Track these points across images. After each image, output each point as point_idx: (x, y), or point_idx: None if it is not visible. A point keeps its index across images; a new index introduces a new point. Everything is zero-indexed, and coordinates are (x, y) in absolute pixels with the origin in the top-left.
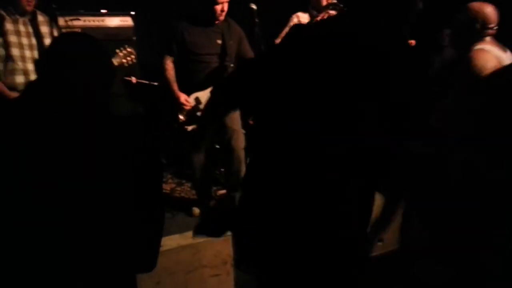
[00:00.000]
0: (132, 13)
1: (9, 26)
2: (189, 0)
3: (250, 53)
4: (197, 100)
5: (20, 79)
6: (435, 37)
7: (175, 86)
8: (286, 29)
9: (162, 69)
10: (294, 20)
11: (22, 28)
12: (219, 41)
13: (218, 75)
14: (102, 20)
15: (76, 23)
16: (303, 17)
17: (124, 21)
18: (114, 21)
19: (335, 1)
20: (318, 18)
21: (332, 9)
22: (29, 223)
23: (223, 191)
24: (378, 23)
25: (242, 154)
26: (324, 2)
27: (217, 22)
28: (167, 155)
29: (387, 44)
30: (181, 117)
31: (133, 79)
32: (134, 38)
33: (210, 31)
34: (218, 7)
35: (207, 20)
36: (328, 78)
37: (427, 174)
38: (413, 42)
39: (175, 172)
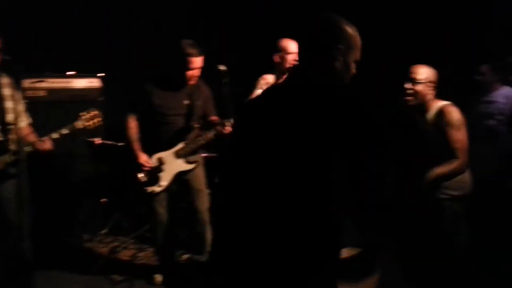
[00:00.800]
0: (100, 74)
1: None
2: (158, 63)
3: (212, 112)
4: (160, 160)
5: None
6: None
7: (136, 146)
8: (258, 93)
9: (126, 128)
10: (261, 82)
11: None
12: (186, 102)
13: (184, 135)
14: (69, 82)
15: (41, 85)
16: (270, 78)
17: (91, 82)
18: (81, 83)
19: (297, 63)
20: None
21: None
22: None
23: (188, 255)
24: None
25: (206, 215)
26: (287, 65)
27: (187, 84)
28: (128, 219)
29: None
30: (140, 176)
31: (96, 140)
32: (101, 99)
33: (179, 92)
34: (191, 73)
35: (177, 83)
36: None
37: None
38: None
39: (136, 237)
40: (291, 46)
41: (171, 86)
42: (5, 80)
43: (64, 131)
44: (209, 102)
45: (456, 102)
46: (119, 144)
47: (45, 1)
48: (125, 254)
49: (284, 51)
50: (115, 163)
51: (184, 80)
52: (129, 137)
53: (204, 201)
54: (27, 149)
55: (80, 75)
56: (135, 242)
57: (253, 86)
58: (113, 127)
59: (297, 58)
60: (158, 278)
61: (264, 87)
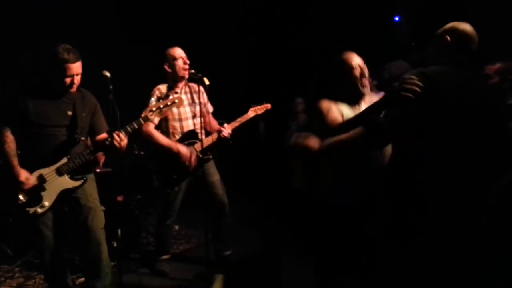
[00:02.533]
0: None
1: None
2: (35, 69)
3: (104, 126)
4: (41, 178)
5: None
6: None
7: (14, 161)
8: (152, 101)
9: (0, 143)
10: (156, 92)
11: None
12: (70, 112)
13: (67, 149)
14: None
15: None
16: (163, 89)
17: None
18: None
19: (192, 71)
20: (178, 89)
21: (191, 79)
22: None
23: (82, 279)
24: None
25: (101, 234)
26: (180, 73)
27: (69, 92)
28: (11, 245)
29: None
30: (21, 197)
31: None
32: None
33: (60, 102)
34: (68, 80)
35: (56, 91)
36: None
37: None
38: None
39: (23, 263)
40: (178, 51)
41: (49, 95)
42: None
43: None
44: (97, 115)
45: None
46: None
47: None
48: (10, 284)
49: (172, 58)
50: None
51: (63, 88)
52: (5, 153)
53: (97, 219)
54: None
55: None
56: (22, 269)
57: (146, 96)
58: None
59: (187, 61)
60: None
61: (160, 96)
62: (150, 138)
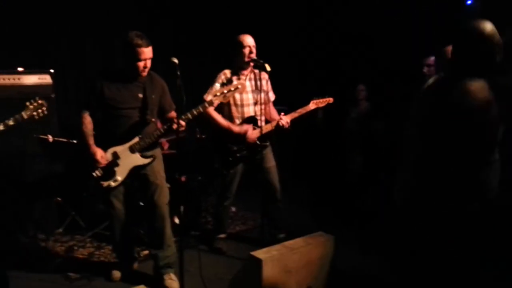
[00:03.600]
0: (51, 70)
1: None
2: (110, 58)
3: (171, 106)
4: (115, 155)
5: None
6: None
7: (91, 141)
8: (217, 86)
9: (80, 124)
10: (222, 77)
11: None
12: (140, 95)
13: (139, 129)
14: (19, 78)
15: None
16: (229, 73)
17: (42, 78)
18: (31, 79)
19: (255, 58)
20: (243, 76)
21: (254, 67)
22: None
23: (147, 251)
24: None
25: (166, 210)
26: (246, 59)
27: (140, 77)
28: (84, 217)
29: None
30: (97, 172)
31: (49, 138)
32: (53, 95)
33: (132, 85)
34: (141, 64)
35: (128, 75)
36: None
37: None
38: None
39: (94, 235)
40: (247, 39)
41: (122, 79)
42: None
43: (10, 122)
44: (165, 96)
45: None
46: (73, 141)
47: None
48: (82, 253)
49: (240, 46)
50: (69, 160)
51: (135, 72)
52: (83, 133)
53: (163, 196)
54: None
55: (30, 71)
56: (92, 240)
57: (209, 81)
58: (66, 124)
59: (253, 51)
60: (116, 274)
61: (225, 81)
62: (210, 119)
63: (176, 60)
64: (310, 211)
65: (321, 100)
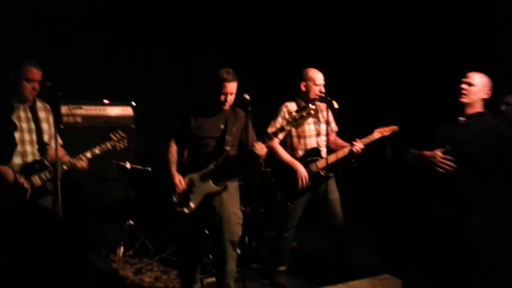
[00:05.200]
0: (133, 103)
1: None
2: (185, 92)
3: (253, 140)
4: (191, 182)
5: (17, 160)
6: None
7: (173, 167)
8: (279, 119)
9: (166, 151)
10: (284, 109)
11: (22, 114)
12: (222, 126)
13: (214, 158)
14: (104, 109)
15: (78, 111)
16: (292, 106)
17: (124, 110)
18: (115, 111)
19: (323, 94)
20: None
21: (319, 101)
22: None
23: (211, 279)
24: None
25: (229, 246)
26: (312, 96)
27: (223, 109)
28: (153, 241)
29: None
30: (174, 198)
31: (127, 164)
32: (133, 126)
33: (216, 117)
34: (223, 97)
35: (214, 108)
36: None
37: None
38: None
39: (161, 259)
40: (320, 77)
41: (208, 112)
42: (41, 104)
43: (96, 150)
44: (246, 131)
45: None
46: (148, 169)
47: (84, 34)
48: (149, 276)
49: (312, 81)
50: (143, 187)
51: (218, 104)
52: (167, 160)
53: (226, 231)
54: (63, 167)
55: (114, 103)
56: (159, 264)
57: (273, 113)
58: (142, 153)
59: (323, 90)
60: None
61: (287, 115)
62: (273, 152)
63: (247, 97)
64: (377, 251)
65: (385, 129)
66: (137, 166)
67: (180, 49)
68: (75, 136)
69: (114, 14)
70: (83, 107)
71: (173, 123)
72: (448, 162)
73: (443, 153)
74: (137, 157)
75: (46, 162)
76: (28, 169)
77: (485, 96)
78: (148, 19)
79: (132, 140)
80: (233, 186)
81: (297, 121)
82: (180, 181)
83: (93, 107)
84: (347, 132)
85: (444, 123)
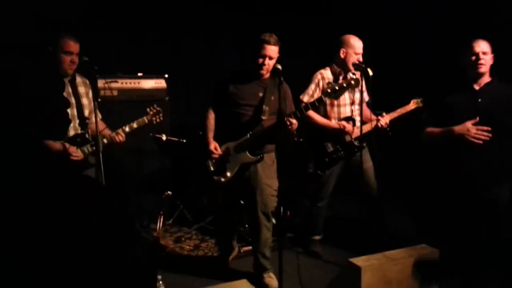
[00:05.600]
0: (166, 75)
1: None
2: (218, 63)
3: (289, 111)
4: (227, 150)
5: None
6: None
7: (210, 134)
8: (312, 86)
9: (204, 118)
10: (318, 77)
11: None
12: (260, 94)
13: (251, 127)
14: (138, 82)
15: (113, 85)
16: (326, 74)
17: (158, 83)
18: (148, 83)
19: (358, 62)
20: (341, 76)
21: (355, 69)
22: None
23: (248, 248)
24: None
25: (263, 218)
26: (350, 65)
27: (265, 76)
28: (191, 211)
29: None
30: (210, 166)
31: (163, 137)
32: (167, 98)
33: (254, 84)
34: (260, 59)
35: (253, 74)
36: None
37: None
38: None
39: (199, 228)
40: (360, 46)
41: (247, 78)
42: (80, 79)
43: (134, 124)
44: (285, 101)
45: None
46: (183, 140)
47: (119, 10)
48: (188, 244)
49: (352, 49)
50: (179, 158)
51: (257, 69)
52: (205, 127)
53: (263, 204)
54: (103, 141)
55: (147, 76)
56: (198, 233)
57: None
58: (177, 125)
59: (360, 59)
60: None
61: (321, 82)
62: (307, 119)
63: (279, 67)
64: (413, 221)
65: (422, 100)
66: (173, 138)
67: (208, 19)
68: (111, 109)
69: None
70: (119, 80)
71: (207, 93)
72: (484, 132)
73: (474, 124)
74: (172, 129)
75: (87, 136)
76: (70, 143)
77: (492, 62)
78: None
79: (167, 112)
80: (269, 157)
81: (336, 92)
82: (216, 147)
83: (128, 80)
84: (385, 102)
85: (453, 92)
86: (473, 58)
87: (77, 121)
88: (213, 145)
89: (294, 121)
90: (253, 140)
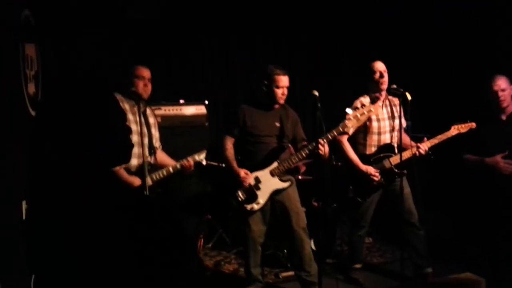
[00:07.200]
0: (206, 102)
1: (130, 116)
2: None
3: (303, 138)
4: (257, 179)
5: (134, 162)
6: None
7: (234, 164)
8: (349, 111)
9: (222, 149)
10: (358, 104)
11: (137, 118)
12: (278, 124)
13: (277, 155)
14: (180, 109)
15: (158, 112)
16: (366, 101)
17: (198, 109)
18: (190, 110)
19: (395, 86)
20: (379, 102)
21: (392, 94)
22: None
23: (287, 273)
24: None
25: (303, 233)
26: (377, 86)
27: (276, 106)
28: (230, 235)
29: None
30: (240, 195)
31: (204, 161)
32: (207, 124)
33: (270, 115)
34: (279, 91)
35: (267, 105)
36: None
37: None
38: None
39: (238, 252)
40: (376, 65)
41: (262, 109)
42: (149, 110)
43: (198, 157)
44: (297, 125)
45: None
46: (222, 165)
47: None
48: (228, 268)
49: (371, 72)
50: (218, 182)
51: (273, 99)
52: (226, 157)
53: (300, 220)
54: (169, 170)
55: (189, 103)
56: (237, 257)
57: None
58: (216, 150)
59: (383, 74)
60: None
61: (359, 105)
62: (340, 148)
63: (316, 93)
64: (457, 249)
65: (463, 125)
66: (212, 163)
67: (248, 49)
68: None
69: (184, 14)
70: (162, 107)
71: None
72: (510, 166)
73: (503, 157)
74: (210, 154)
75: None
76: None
77: None
78: (216, 20)
79: (206, 137)
80: (292, 178)
81: (358, 118)
82: (246, 173)
83: (170, 107)
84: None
85: (484, 121)
86: (493, 95)
87: (147, 150)
88: (243, 172)
89: (326, 146)
90: (282, 167)
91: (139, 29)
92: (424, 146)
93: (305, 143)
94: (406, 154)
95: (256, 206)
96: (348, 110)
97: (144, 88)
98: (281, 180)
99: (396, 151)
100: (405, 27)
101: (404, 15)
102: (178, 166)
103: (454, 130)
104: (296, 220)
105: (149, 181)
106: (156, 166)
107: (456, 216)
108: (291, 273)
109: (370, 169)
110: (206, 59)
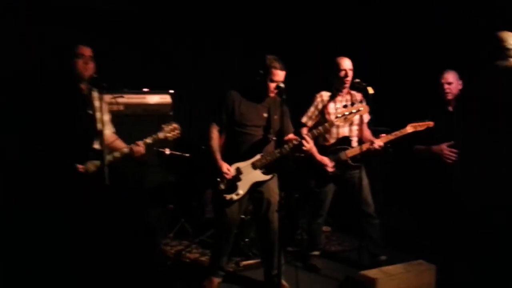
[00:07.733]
0: (171, 91)
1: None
2: (219, 81)
3: (291, 129)
4: (238, 170)
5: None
6: None
7: (218, 155)
8: (312, 109)
9: (208, 137)
10: (318, 99)
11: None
12: (265, 115)
13: (261, 147)
14: (144, 98)
15: (120, 100)
16: (326, 96)
17: (163, 98)
18: (154, 99)
19: (358, 80)
20: (340, 97)
21: (355, 89)
22: None
23: (248, 262)
24: None
25: (277, 225)
26: (341, 84)
27: (269, 96)
28: (192, 225)
29: None
30: (221, 186)
31: (167, 151)
32: (171, 113)
33: (258, 105)
34: (273, 85)
35: (258, 95)
36: None
37: None
38: None
39: (199, 241)
40: (342, 63)
41: (251, 99)
42: (96, 94)
43: (148, 140)
44: (286, 119)
45: None
46: (186, 155)
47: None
48: (189, 257)
49: (336, 68)
50: (182, 172)
51: (265, 92)
52: (210, 147)
53: (273, 209)
54: (117, 154)
55: (153, 91)
56: (198, 246)
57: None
58: (180, 139)
59: (348, 74)
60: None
61: (320, 104)
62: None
63: (282, 85)
64: (410, 237)
65: (420, 124)
66: (176, 152)
67: (212, 35)
68: (119, 123)
69: (150, 4)
70: (125, 95)
71: (211, 108)
72: (453, 154)
73: (448, 146)
74: (175, 144)
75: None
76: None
77: (460, 87)
78: (182, 8)
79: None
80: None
81: (346, 117)
82: (228, 169)
83: (133, 96)
84: (385, 119)
85: (438, 114)
86: (440, 88)
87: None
88: (225, 166)
89: (311, 141)
90: (265, 160)
91: (108, 19)
92: (379, 142)
93: (293, 136)
94: (360, 148)
95: (235, 197)
96: (311, 109)
97: (85, 66)
98: (263, 173)
99: (353, 144)
100: (378, 22)
101: (371, 11)
102: (127, 150)
103: (410, 128)
104: (272, 213)
105: (91, 167)
106: (100, 151)
107: (415, 208)
108: (252, 261)
109: (325, 160)
110: (179, 48)
